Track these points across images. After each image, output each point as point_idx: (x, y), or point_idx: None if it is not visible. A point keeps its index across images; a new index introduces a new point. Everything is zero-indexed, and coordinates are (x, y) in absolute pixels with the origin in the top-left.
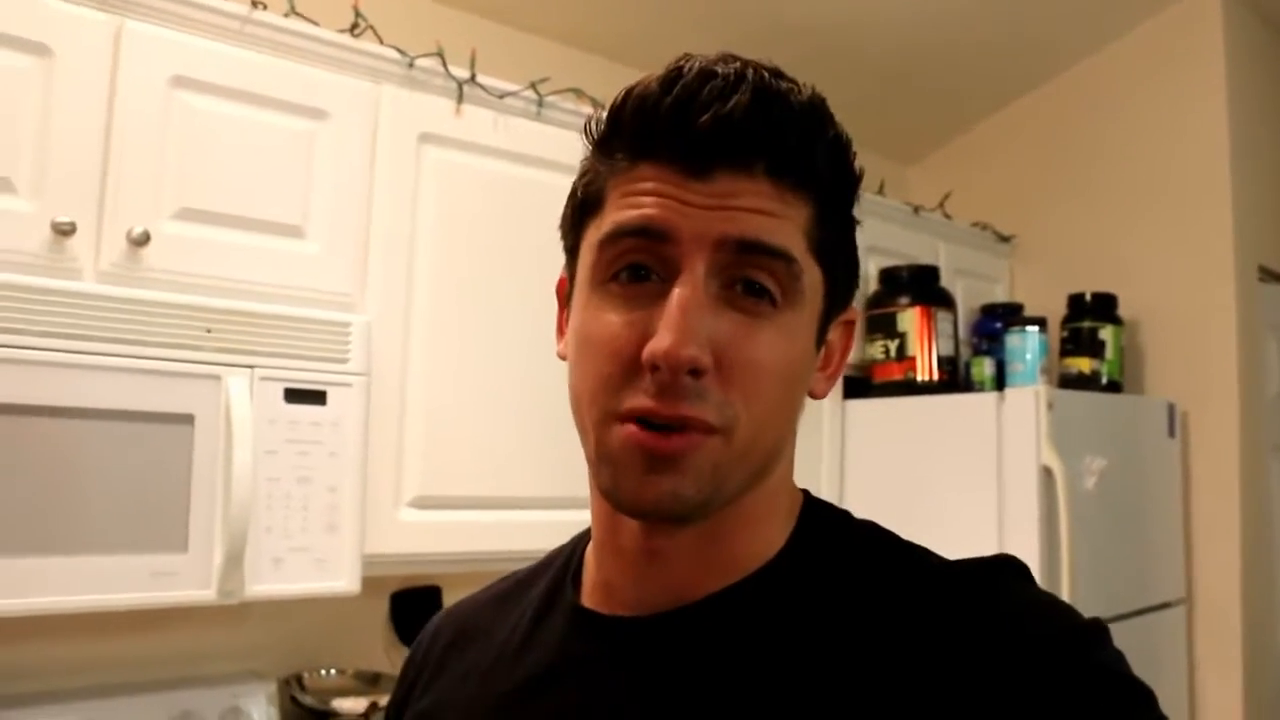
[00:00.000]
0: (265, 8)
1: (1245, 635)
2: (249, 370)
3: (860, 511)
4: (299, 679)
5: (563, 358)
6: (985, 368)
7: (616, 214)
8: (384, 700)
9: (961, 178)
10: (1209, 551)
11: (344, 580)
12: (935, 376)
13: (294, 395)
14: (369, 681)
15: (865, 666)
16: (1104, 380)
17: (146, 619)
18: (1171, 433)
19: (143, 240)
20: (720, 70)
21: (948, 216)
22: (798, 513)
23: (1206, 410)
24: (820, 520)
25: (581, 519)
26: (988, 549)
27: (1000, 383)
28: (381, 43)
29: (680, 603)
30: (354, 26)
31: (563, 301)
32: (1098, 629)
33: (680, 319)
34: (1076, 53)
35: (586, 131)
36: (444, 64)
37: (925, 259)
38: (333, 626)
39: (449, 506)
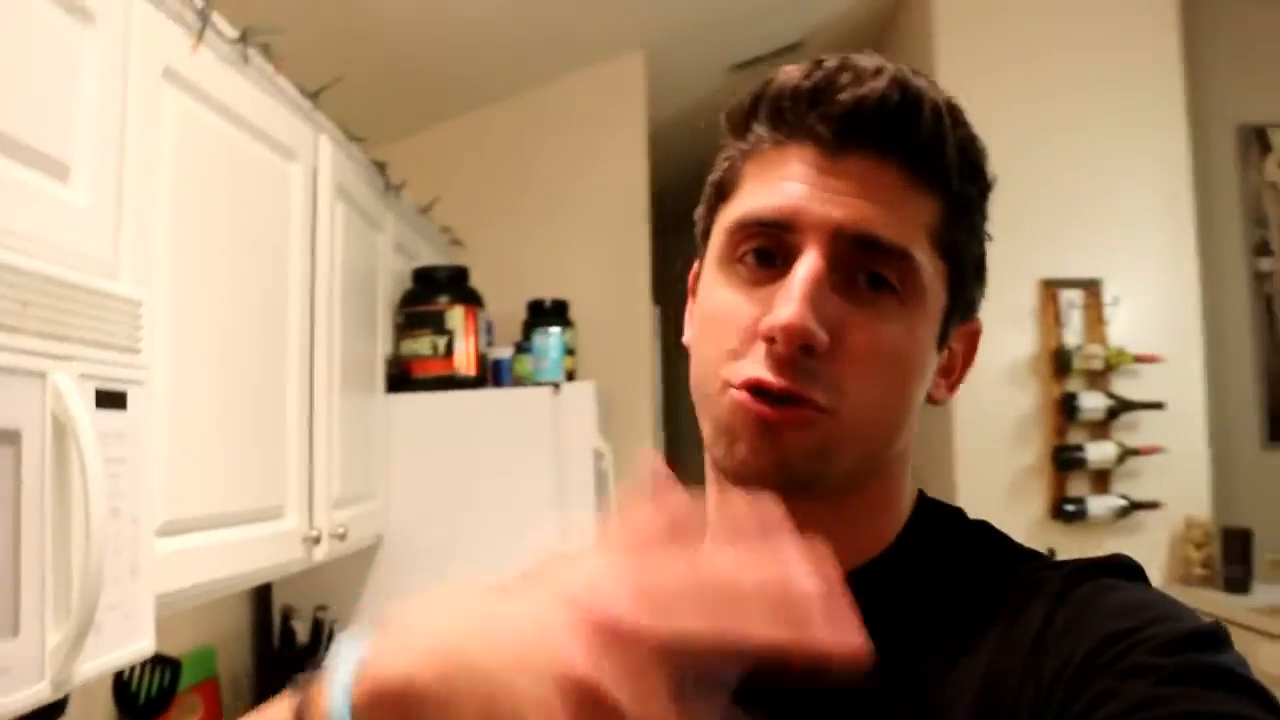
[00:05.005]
0: None
1: None
2: (66, 364)
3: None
4: None
5: (685, 347)
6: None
7: (747, 200)
8: None
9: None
10: None
11: (146, 639)
12: (475, 371)
13: (102, 399)
14: None
15: (968, 655)
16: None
17: None
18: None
19: None
20: (860, 61)
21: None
22: (911, 507)
23: (628, 396)
24: (933, 515)
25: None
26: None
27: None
28: None
29: None
30: None
31: (693, 290)
32: (1217, 631)
33: (798, 294)
34: (531, 78)
35: (727, 117)
36: None
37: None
38: None
39: (198, 529)
